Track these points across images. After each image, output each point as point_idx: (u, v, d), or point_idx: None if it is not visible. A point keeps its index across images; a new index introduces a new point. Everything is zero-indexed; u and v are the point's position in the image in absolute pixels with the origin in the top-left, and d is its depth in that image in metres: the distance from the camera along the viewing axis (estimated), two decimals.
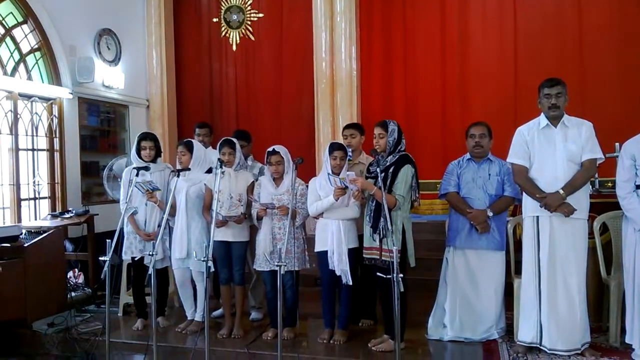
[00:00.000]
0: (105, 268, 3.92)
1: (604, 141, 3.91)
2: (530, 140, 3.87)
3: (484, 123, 4.39)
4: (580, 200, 3.75)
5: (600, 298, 4.40)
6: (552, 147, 3.79)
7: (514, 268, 4.42)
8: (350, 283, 4.23)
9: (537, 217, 3.82)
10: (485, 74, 7.22)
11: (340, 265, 4.22)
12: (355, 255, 4.29)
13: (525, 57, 7.06)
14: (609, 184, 4.94)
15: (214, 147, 5.02)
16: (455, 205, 4.34)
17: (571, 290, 3.76)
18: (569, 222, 3.74)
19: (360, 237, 4.28)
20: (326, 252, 4.28)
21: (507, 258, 4.36)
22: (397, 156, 4.11)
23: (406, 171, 4.04)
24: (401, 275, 3.36)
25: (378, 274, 3.93)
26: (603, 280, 4.21)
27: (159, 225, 4.64)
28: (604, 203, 4.38)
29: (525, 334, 3.93)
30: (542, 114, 3.88)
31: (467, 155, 4.40)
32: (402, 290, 3.35)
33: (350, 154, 4.70)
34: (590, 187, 4.35)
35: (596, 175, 4.88)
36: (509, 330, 4.30)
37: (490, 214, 4.17)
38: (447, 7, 7.42)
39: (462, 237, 4.29)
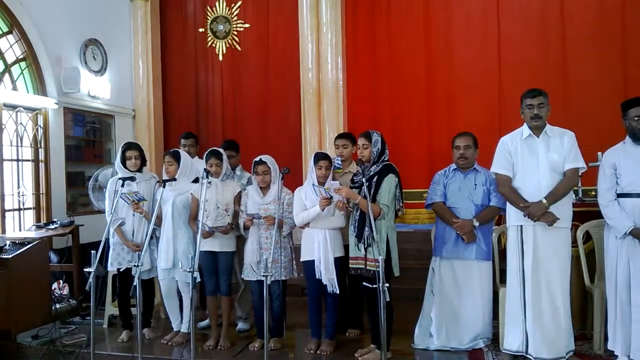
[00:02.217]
0: (90, 279, 3.90)
1: (586, 150, 3.96)
2: (514, 150, 3.91)
3: (469, 134, 4.42)
4: (563, 209, 3.78)
5: (585, 306, 4.44)
6: (535, 157, 3.83)
7: (499, 277, 4.45)
8: (337, 292, 4.25)
9: (521, 226, 3.85)
10: (470, 84, 7.29)
11: (327, 274, 4.23)
12: (341, 264, 4.31)
13: (509, 67, 7.14)
14: (592, 193, 4.99)
15: (200, 157, 5.03)
16: (441, 215, 4.37)
17: (555, 299, 3.79)
18: (553, 231, 3.77)
19: (347, 247, 4.30)
20: (313, 261, 4.29)
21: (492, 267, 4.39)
22: (380, 166, 4.15)
23: (390, 180, 4.07)
24: (387, 284, 3.38)
25: (364, 283, 3.94)
26: (587, 288, 4.25)
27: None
28: (588, 212, 4.42)
29: (510, 342, 3.94)
30: (524, 124, 3.92)
31: (454, 165, 4.43)
32: (387, 299, 3.38)
33: (339, 164, 4.73)
34: (574, 196, 4.39)
35: (579, 184, 4.94)
36: (495, 339, 4.33)
37: (476, 223, 4.20)
38: (431, 18, 7.51)
39: (449, 247, 4.31)
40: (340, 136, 4.96)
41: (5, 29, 6.20)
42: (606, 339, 3.94)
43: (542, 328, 3.79)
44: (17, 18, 6.22)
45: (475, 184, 4.31)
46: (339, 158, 4.74)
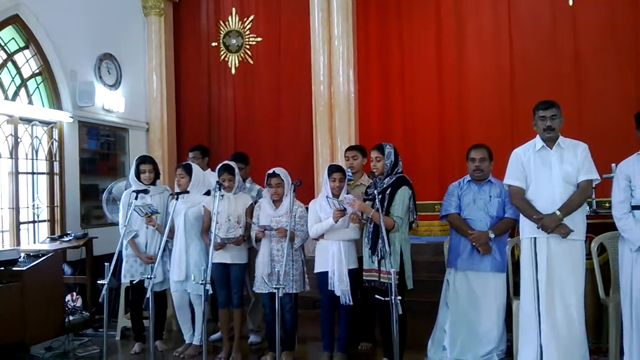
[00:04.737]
0: (103, 291, 3.92)
1: (600, 162, 3.92)
2: (527, 162, 3.88)
3: (484, 146, 4.38)
4: (577, 221, 3.74)
5: (600, 319, 4.39)
6: (548, 169, 3.80)
7: (512, 289, 4.41)
8: (351, 303, 4.23)
9: (535, 238, 3.80)
10: (482, 96, 7.29)
11: (340, 285, 4.23)
12: (354, 276, 4.30)
13: (521, 79, 7.13)
14: (607, 205, 4.94)
15: (212, 169, 5.05)
16: (456, 227, 4.33)
17: (570, 312, 3.74)
18: (566, 243, 3.72)
19: (360, 259, 4.29)
20: (326, 272, 4.28)
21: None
22: (393, 178, 4.15)
23: (403, 193, 4.07)
24: (399, 297, 3.36)
25: (377, 296, 3.92)
26: (601, 301, 4.20)
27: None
28: (602, 224, 4.38)
29: (525, 355, 3.87)
30: (537, 135, 3.90)
31: (468, 177, 4.39)
32: (400, 312, 3.36)
33: (351, 175, 4.73)
34: (588, 207, 4.35)
35: (593, 196, 4.90)
36: (509, 352, 4.28)
37: (492, 235, 4.16)
38: (443, 31, 7.52)
39: (464, 258, 4.27)
40: (350, 148, 4.98)
41: (22, 44, 6.29)
42: (622, 352, 3.88)
43: (557, 341, 3.73)
44: (34, 33, 6.30)
45: (490, 196, 4.28)
46: (350, 170, 4.75)
